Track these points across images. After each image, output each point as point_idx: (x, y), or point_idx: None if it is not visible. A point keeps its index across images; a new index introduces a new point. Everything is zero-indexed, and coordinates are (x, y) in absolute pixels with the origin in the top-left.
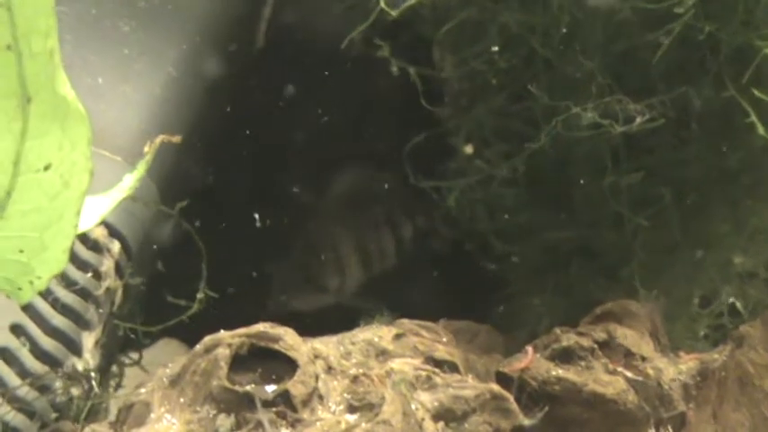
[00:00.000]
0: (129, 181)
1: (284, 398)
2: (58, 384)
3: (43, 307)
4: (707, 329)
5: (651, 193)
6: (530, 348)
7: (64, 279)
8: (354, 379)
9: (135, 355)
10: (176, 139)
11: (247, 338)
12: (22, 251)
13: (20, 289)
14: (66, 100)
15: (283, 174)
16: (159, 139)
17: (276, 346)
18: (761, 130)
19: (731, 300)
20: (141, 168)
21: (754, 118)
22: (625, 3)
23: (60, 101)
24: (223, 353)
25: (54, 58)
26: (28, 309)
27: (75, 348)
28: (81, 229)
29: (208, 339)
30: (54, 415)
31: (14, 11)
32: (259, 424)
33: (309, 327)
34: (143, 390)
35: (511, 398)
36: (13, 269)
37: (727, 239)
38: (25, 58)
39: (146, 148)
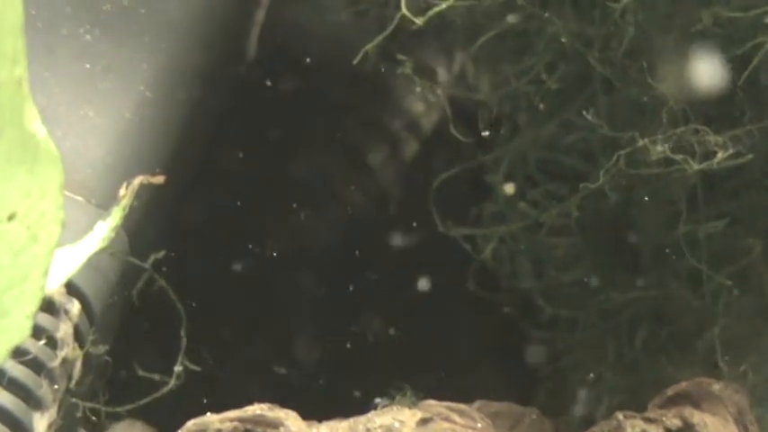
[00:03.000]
0: (103, 231)
1: None
2: None
3: None
4: None
5: (736, 245)
6: None
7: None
8: None
9: None
10: (158, 179)
11: (241, 423)
12: None
13: None
14: (36, 138)
15: (280, 216)
16: (137, 180)
17: None
18: None
19: None
20: (116, 216)
21: None
22: (705, 10)
23: (29, 139)
24: None
25: (22, 87)
26: None
27: None
28: (49, 290)
29: (191, 424)
30: None
31: None
32: None
33: (317, 408)
34: None
35: None
36: None
37: None
38: None
39: (121, 191)
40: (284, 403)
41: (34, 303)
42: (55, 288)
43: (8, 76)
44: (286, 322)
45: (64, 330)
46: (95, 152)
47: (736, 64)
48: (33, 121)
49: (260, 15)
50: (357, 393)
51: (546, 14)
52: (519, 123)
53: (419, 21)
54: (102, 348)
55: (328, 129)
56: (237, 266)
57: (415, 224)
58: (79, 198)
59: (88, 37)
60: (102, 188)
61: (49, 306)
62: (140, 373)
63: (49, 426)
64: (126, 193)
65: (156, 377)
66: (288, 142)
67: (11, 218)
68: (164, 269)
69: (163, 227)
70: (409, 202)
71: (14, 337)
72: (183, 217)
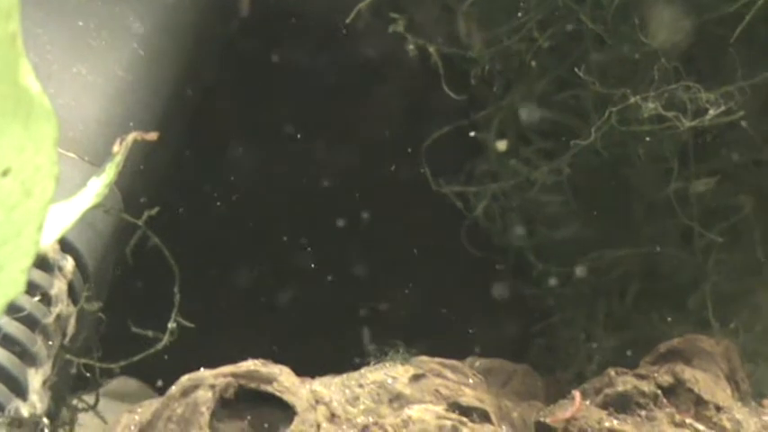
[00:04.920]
0: (96, 187)
1: None
2: None
3: None
4: None
5: (727, 202)
6: (577, 394)
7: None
8: (363, 429)
9: (89, 397)
10: (152, 136)
11: (234, 379)
12: None
13: None
14: (30, 93)
15: (272, 171)
16: (131, 136)
17: (269, 389)
18: None
19: None
20: (111, 172)
21: None
22: None
23: (23, 94)
24: (204, 396)
25: (16, 43)
26: None
27: (20, 389)
28: (44, 245)
29: (185, 379)
30: None
31: None
32: None
33: (310, 364)
34: None
35: None
36: None
37: None
38: None
39: (115, 148)
40: (278, 359)
41: (29, 258)
42: (49, 244)
43: (2, 31)
44: (280, 280)
45: (58, 287)
46: (88, 109)
47: (729, 21)
48: (27, 77)
49: None
50: (351, 349)
51: None
52: (511, 81)
53: None
54: (95, 305)
55: (320, 87)
56: (231, 223)
57: (407, 182)
58: (72, 155)
59: None
60: (95, 145)
61: (42, 263)
62: (134, 329)
63: (44, 382)
64: (120, 150)
65: (150, 334)
66: (280, 99)
67: (5, 173)
68: (157, 226)
69: (156, 184)
70: (402, 160)
71: (9, 291)
72: (177, 173)
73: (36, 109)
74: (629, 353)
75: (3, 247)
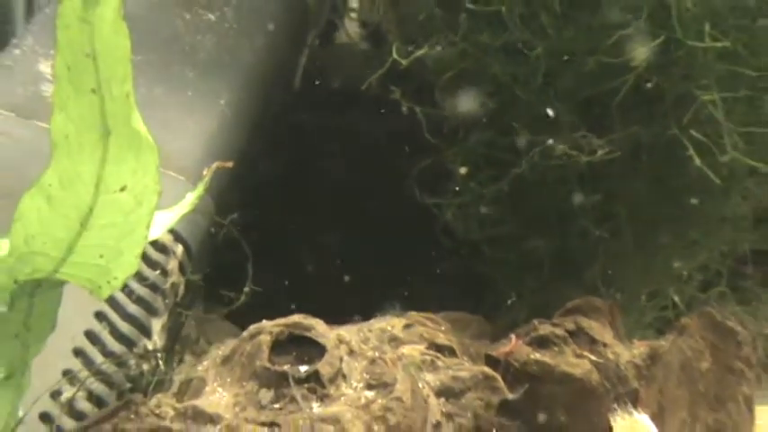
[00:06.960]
0: (191, 198)
1: (314, 376)
2: (132, 361)
3: (121, 297)
4: (652, 320)
5: (610, 210)
6: (513, 336)
7: (137, 275)
8: (372, 361)
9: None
10: (229, 164)
11: (285, 327)
12: (101, 256)
13: (100, 287)
14: (140, 134)
15: (312, 191)
16: (215, 164)
17: (309, 334)
18: (697, 161)
19: (672, 296)
20: (200, 188)
21: (692, 152)
22: (590, 57)
23: (134, 134)
24: (265, 339)
25: (129, 99)
26: (109, 299)
27: (146, 331)
28: (151, 238)
29: (252, 327)
30: (128, 386)
31: (98, 60)
32: (294, 398)
33: (334, 315)
34: (200, 367)
35: (499, 378)
36: (94, 271)
37: (669, 248)
38: (106, 99)
39: (204, 171)
40: (314, 314)
41: (140, 247)
42: (166, 236)
43: (119, 91)
44: (320, 263)
45: (172, 264)
46: (193, 149)
47: (611, 92)
48: (138, 122)
49: (302, 59)
50: (363, 308)
51: (488, 59)
52: (470, 130)
53: (405, 62)
54: (197, 276)
55: (345, 132)
56: (277, 226)
57: (401, 195)
58: (182, 177)
59: (190, 74)
60: (198, 172)
61: (162, 248)
62: (222, 291)
63: (162, 327)
64: (208, 173)
65: (233, 295)
66: (318, 139)
67: (122, 189)
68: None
69: (238, 195)
70: (398, 181)
71: (127, 270)
72: (252, 189)
73: (144, 144)
74: (546, 309)
75: (123, 241)
